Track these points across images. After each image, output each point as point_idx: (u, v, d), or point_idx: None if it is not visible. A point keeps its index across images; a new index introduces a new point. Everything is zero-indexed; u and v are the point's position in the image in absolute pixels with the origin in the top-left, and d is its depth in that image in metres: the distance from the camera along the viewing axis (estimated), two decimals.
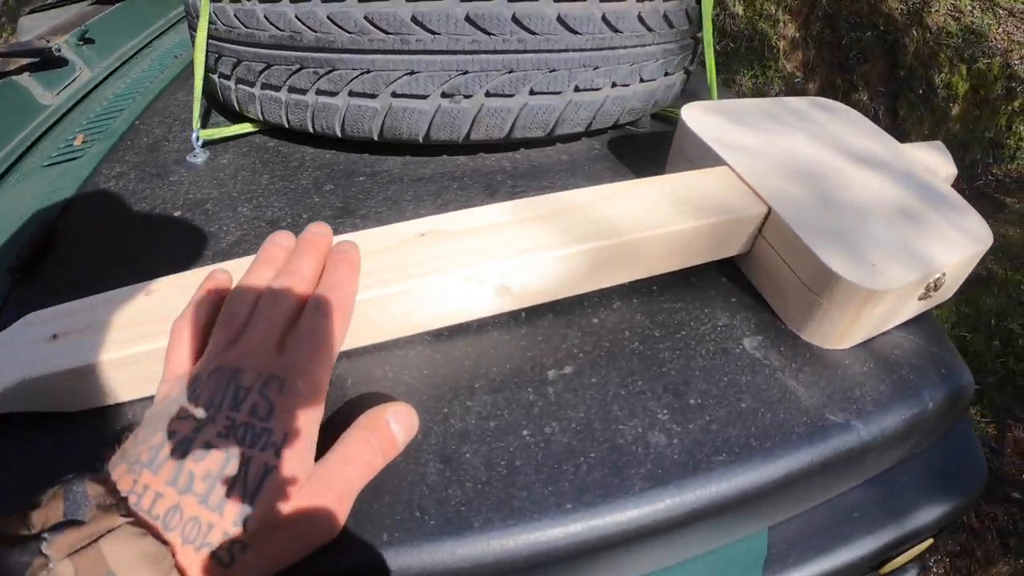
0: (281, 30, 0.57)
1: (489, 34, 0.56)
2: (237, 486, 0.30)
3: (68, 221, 0.60)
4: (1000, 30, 3.17)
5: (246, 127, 0.72)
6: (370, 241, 0.45)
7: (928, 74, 2.92)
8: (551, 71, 0.60)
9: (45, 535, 0.27)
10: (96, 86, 0.96)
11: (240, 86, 0.65)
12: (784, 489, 0.42)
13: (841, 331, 0.50)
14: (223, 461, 0.31)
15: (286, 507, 0.31)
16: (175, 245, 0.56)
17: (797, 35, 2.85)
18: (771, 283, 0.53)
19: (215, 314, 0.38)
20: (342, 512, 0.34)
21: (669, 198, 0.51)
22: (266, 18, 0.58)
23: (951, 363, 0.52)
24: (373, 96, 0.59)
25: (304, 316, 0.37)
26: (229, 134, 0.71)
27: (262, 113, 0.66)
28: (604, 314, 0.50)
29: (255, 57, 0.61)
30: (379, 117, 0.60)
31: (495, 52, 0.57)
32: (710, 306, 0.52)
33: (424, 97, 0.59)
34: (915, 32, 2.91)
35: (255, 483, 0.31)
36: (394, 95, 0.59)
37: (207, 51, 0.66)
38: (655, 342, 0.48)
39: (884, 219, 0.53)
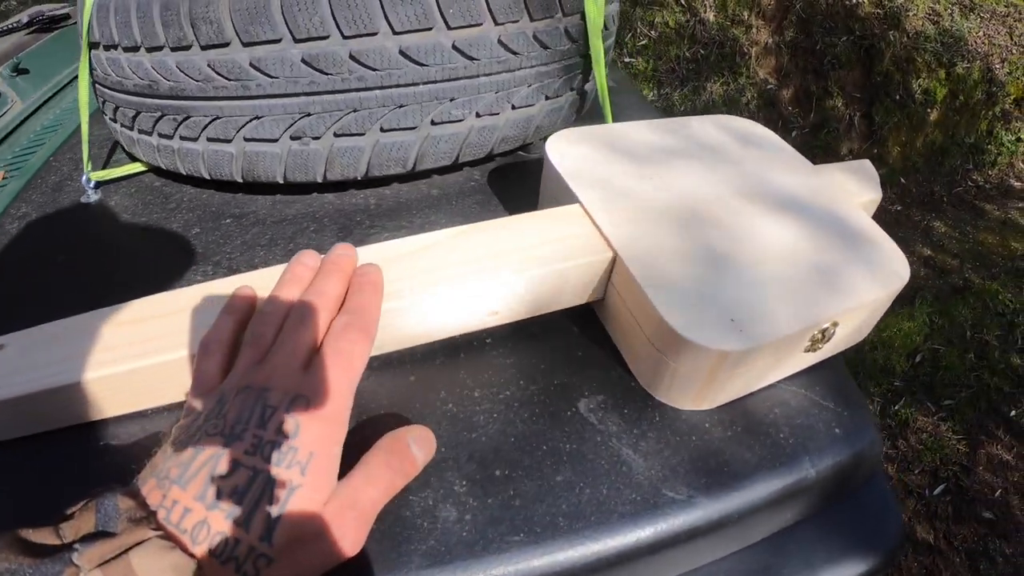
0: (141, 79, 0.58)
1: (327, 74, 0.54)
2: (263, 503, 0.31)
3: None
4: (980, 33, 3.13)
5: (136, 167, 0.72)
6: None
7: (905, 79, 2.88)
8: (399, 107, 0.57)
9: (77, 546, 0.28)
10: (27, 118, 0.95)
11: (123, 129, 0.66)
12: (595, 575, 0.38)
13: (696, 393, 0.45)
14: (250, 478, 0.32)
15: (310, 524, 0.32)
16: (52, 289, 0.56)
17: (770, 40, 2.81)
18: (622, 336, 0.48)
19: (241, 331, 0.40)
20: (364, 529, 0.35)
21: (505, 243, 0.47)
22: (128, 67, 0.58)
23: (850, 421, 0.47)
24: (227, 141, 0.59)
25: (329, 337, 0.38)
26: (119, 174, 0.71)
27: (142, 155, 0.67)
28: (422, 371, 0.46)
29: (126, 104, 0.62)
30: (236, 161, 0.60)
31: (335, 92, 0.56)
32: (548, 361, 0.47)
33: (274, 140, 0.58)
34: (892, 36, 2.87)
35: (281, 500, 0.32)
36: (246, 139, 0.58)
37: (97, 95, 0.67)
38: (472, 404, 0.44)
39: (768, 263, 0.48)
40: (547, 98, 0.65)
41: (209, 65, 0.54)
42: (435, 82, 0.57)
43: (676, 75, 2.81)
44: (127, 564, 0.28)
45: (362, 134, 0.58)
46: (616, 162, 0.56)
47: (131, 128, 0.64)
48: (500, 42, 0.57)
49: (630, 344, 0.47)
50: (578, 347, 0.49)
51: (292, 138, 0.58)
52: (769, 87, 2.84)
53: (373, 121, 0.57)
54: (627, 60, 2.80)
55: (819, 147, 2.82)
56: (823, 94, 2.83)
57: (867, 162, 0.67)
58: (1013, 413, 2.00)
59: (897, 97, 2.88)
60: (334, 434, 0.35)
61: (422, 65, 0.55)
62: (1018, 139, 3.18)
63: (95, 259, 0.60)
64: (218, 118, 0.57)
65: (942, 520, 1.75)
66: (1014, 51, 3.12)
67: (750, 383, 0.47)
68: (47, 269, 0.58)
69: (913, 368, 2.16)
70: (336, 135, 0.58)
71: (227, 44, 0.53)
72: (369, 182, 0.67)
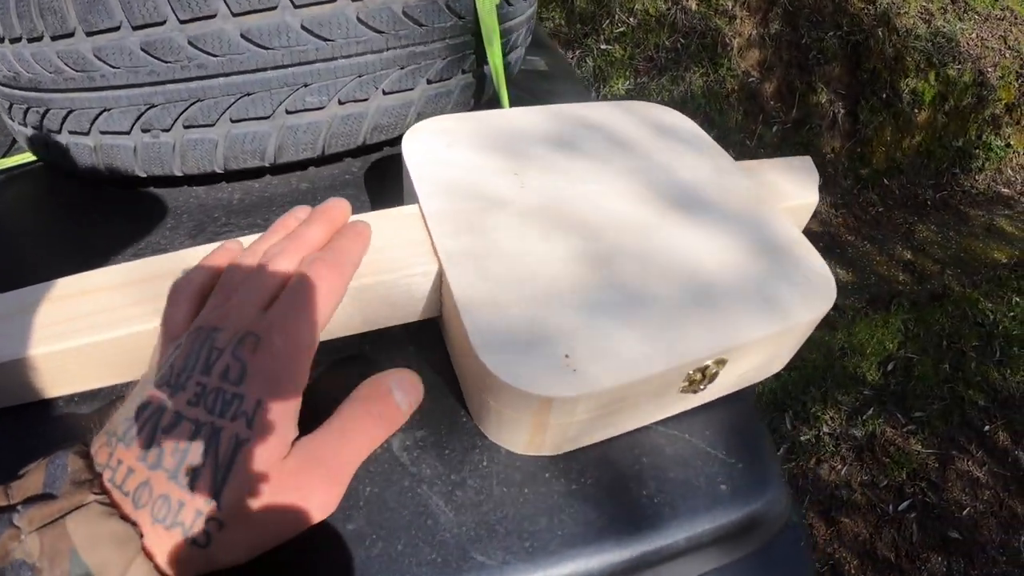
0: (7, 71, 0.55)
1: (166, 62, 0.50)
2: (208, 460, 0.29)
3: None
4: (973, 35, 3.05)
5: (27, 156, 0.70)
6: None
7: (893, 78, 2.80)
8: (247, 95, 0.52)
9: (19, 507, 0.27)
10: None
11: (7, 119, 0.63)
12: None
13: (528, 439, 0.36)
14: (191, 432, 0.29)
15: (265, 483, 0.29)
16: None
17: (754, 32, 2.72)
18: (455, 363, 0.41)
19: (215, 280, 0.37)
20: (335, 490, 0.31)
21: None
22: None
23: (743, 475, 0.39)
24: (84, 134, 0.56)
25: (295, 273, 0.35)
26: (10, 164, 0.70)
27: (26, 146, 0.64)
28: None
29: (1, 95, 0.60)
30: (95, 154, 0.57)
31: (175, 81, 0.52)
32: None
33: (126, 133, 0.55)
34: (881, 33, 2.78)
35: (226, 457, 0.29)
36: (100, 132, 0.55)
37: None
38: None
39: (645, 283, 0.40)
40: (429, 82, 0.59)
41: (58, 56, 0.51)
42: (284, 67, 0.52)
43: (655, 64, 2.72)
44: (63, 529, 0.26)
45: (211, 125, 0.54)
46: (485, 156, 0.49)
47: (11, 119, 0.62)
48: (359, 20, 0.51)
49: (461, 374, 0.39)
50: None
51: (142, 130, 0.54)
52: (751, 80, 2.75)
53: (220, 111, 0.53)
54: (604, 47, 2.71)
55: (800, 143, 2.73)
56: (807, 89, 2.74)
57: (808, 159, 0.59)
58: (987, 428, 1.92)
59: (884, 96, 2.79)
60: (287, 377, 0.31)
61: (267, 48, 0.50)
62: (1007, 145, 3.10)
63: (37, 242, 0.58)
64: (72, 111, 0.55)
65: (905, 538, 1.66)
66: (1007, 55, 3.04)
67: (608, 429, 0.39)
68: None
69: (884, 377, 2.08)
70: (185, 127, 0.54)
71: (72, 34, 0.50)
72: (239, 174, 0.62)
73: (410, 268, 0.40)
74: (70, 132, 0.57)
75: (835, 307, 2.34)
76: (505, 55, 0.66)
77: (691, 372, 0.38)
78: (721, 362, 0.38)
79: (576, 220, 0.44)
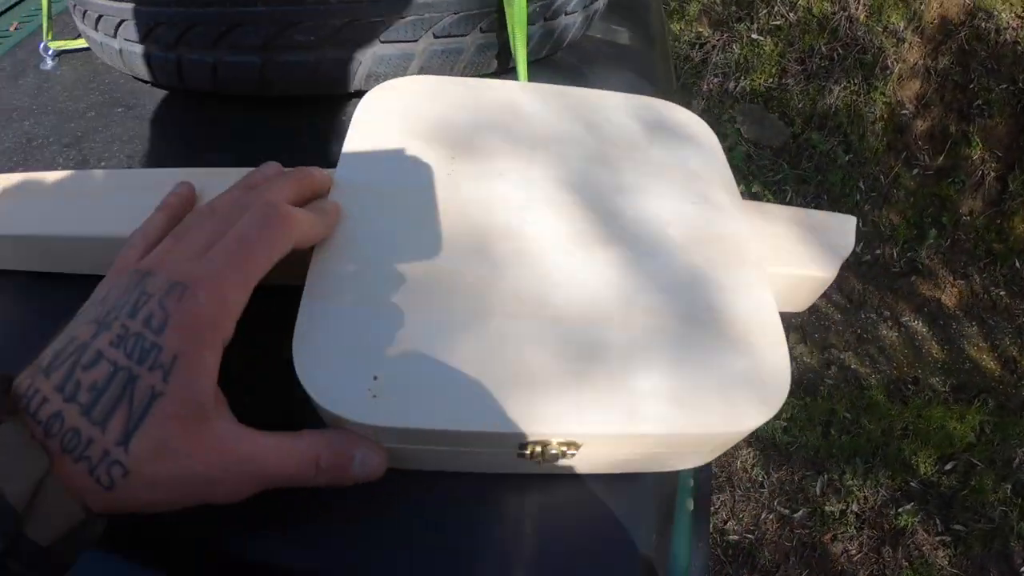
0: None
1: None
2: (122, 405, 0.29)
3: None
4: None
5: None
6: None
7: None
8: (238, 26, 0.55)
9: None
10: None
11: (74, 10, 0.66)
12: None
13: None
14: (110, 373, 0.29)
15: (176, 443, 0.29)
16: (11, 154, 0.61)
17: (920, 62, 2.46)
18: None
19: (173, 227, 0.37)
20: (248, 489, 0.32)
21: None
22: None
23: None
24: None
25: (240, 221, 0.34)
26: (74, 47, 0.74)
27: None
28: None
29: None
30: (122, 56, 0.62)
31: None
32: None
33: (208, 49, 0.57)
34: None
35: (140, 407, 0.29)
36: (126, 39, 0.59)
37: None
38: None
39: (515, 324, 0.35)
40: (436, 36, 0.56)
41: None
42: (277, 5, 0.52)
43: (804, 68, 2.51)
44: None
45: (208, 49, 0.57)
46: (436, 130, 0.45)
47: (81, 19, 0.66)
48: None
49: None
50: None
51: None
52: (903, 112, 2.50)
53: (213, 36, 0.55)
54: (754, 37, 2.52)
55: (937, 195, 2.50)
56: (961, 139, 2.48)
57: (851, 221, 0.48)
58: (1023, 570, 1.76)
59: None
60: (207, 335, 0.31)
61: None
62: None
63: (38, 119, 0.65)
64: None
65: None
66: None
67: (442, 463, 0.36)
68: (10, 127, 0.64)
69: (939, 474, 1.93)
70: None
71: None
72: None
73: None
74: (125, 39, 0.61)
75: (914, 381, 2.18)
76: (542, 17, 0.62)
77: (527, 443, 0.33)
78: (571, 444, 0.33)
79: (482, 226, 0.40)
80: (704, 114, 2.45)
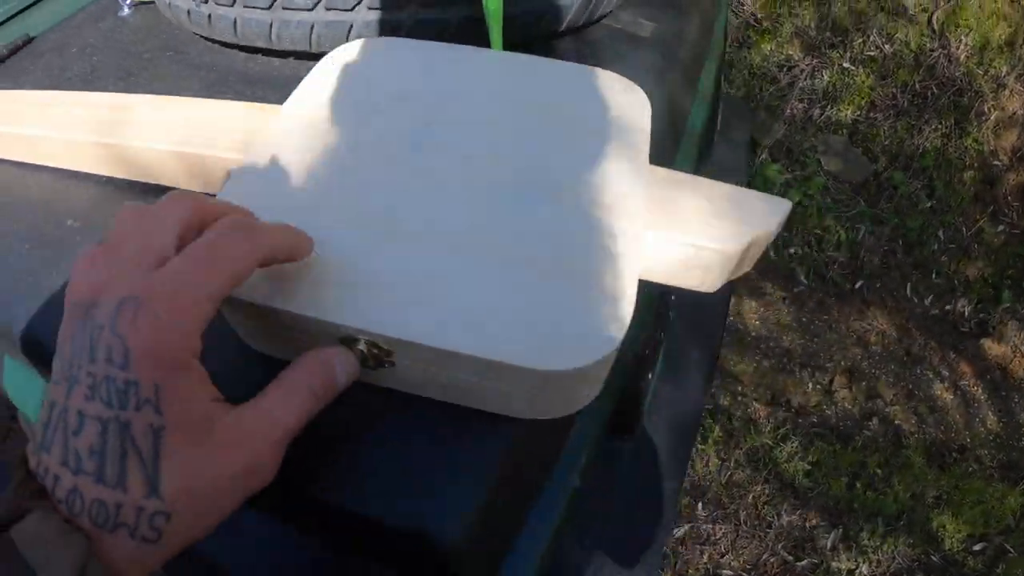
0: None
1: None
2: (130, 457, 0.27)
3: (47, 36, 0.84)
4: None
5: None
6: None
7: None
8: None
9: None
10: None
11: None
12: None
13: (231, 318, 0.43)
14: (100, 432, 0.27)
15: (201, 464, 0.29)
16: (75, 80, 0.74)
17: (1020, 112, 2.29)
18: None
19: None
20: (272, 456, 0.32)
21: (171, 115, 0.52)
22: None
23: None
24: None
25: (203, 233, 0.32)
26: None
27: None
28: None
29: None
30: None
31: None
32: None
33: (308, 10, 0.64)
34: None
35: (150, 450, 0.28)
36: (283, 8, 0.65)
37: None
38: None
39: (395, 229, 0.41)
40: (422, 5, 0.63)
41: None
42: None
43: (894, 103, 2.39)
44: (7, 537, 0.25)
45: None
46: (377, 86, 0.51)
47: None
48: None
49: None
50: None
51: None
52: (996, 164, 2.34)
53: None
54: (846, 66, 2.41)
55: (1021, 256, 2.32)
56: None
57: (783, 205, 0.47)
58: None
59: None
60: (179, 356, 0.29)
61: None
62: None
63: (104, 56, 0.78)
64: None
65: None
66: None
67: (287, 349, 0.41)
68: (82, 59, 0.78)
69: (965, 553, 1.79)
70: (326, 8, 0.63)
71: None
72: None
73: (218, 149, 0.47)
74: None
75: (959, 450, 2.04)
76: None
77: (346, 341, 0.37)
78: (379, 348, 0.37)
79: (385, 161, 0.45)
80: (784, 140, 2.37)
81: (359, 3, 0.62)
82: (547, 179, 0.44)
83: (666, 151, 0.81)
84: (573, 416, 0.55)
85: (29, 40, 0.84)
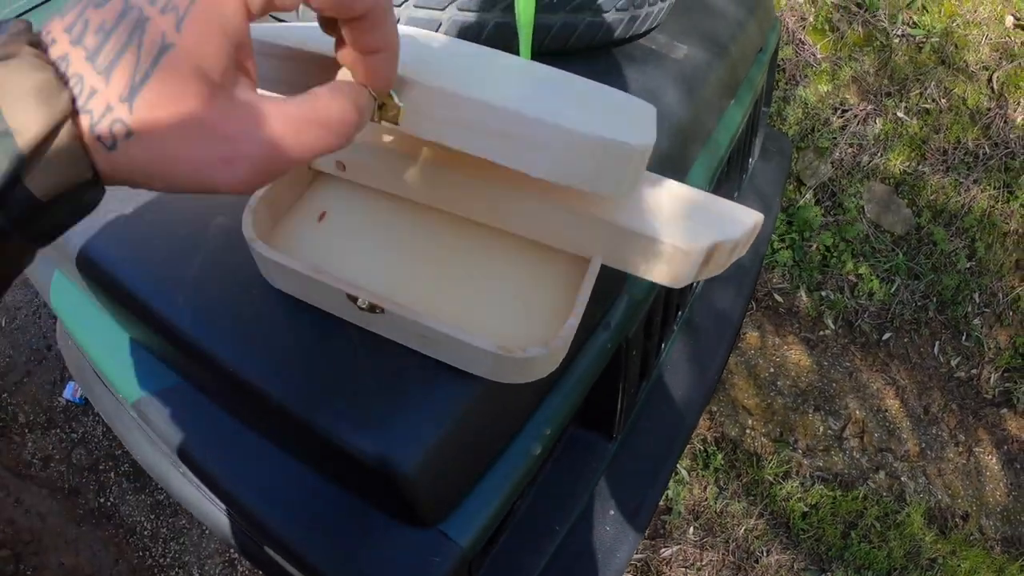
0: None
1: None
2: (128, 52, 0.26)
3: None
4: None
5: None
6: None
7: None
8: None
9: None
10: None
11: None
12: None
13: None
14: (119, 13, 0.26)
15: (186, 106, 0.27)
16: None
17: None
18: None
19: None
20: (250, 170, 0.29)
21: None
22: None
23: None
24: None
25: None
26: None
27: None
28: None
29: None
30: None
31: None
32: None
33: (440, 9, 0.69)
34: None
35: (149, 58, 0.26)
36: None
37: None
38: None
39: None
40: (459, 9, 0.68)
41: None
42: None
43: (945, 158, 2.40)
44: None
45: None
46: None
47: None
48: None
49: None
50: None
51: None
52: None
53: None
54: (900, 115, 2.43)
55: None
56: None
57: (751, 216, 0.53)
58: None
59: None
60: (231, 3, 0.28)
61: None
62: None
63: None
64: None
65: None
66: None
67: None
68: None
69: None
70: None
71: None
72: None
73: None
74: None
75: (964, 516, 2.04)
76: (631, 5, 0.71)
77: (354, 299, 0.49)
78: (374, 306, 0.49)
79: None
80: (830, 183, 2.40)
81: (450, 3, 0.68)
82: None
83: (683, 160, 0.87)
84: (541, 391, 0.62)
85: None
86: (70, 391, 1.76)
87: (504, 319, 0.51)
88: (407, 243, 0.55)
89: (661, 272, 0.51)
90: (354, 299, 0.48)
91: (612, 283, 0.71)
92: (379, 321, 0.50)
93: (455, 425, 0.51)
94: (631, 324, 0.80)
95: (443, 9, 0.68)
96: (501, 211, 0.51)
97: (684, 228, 0.50)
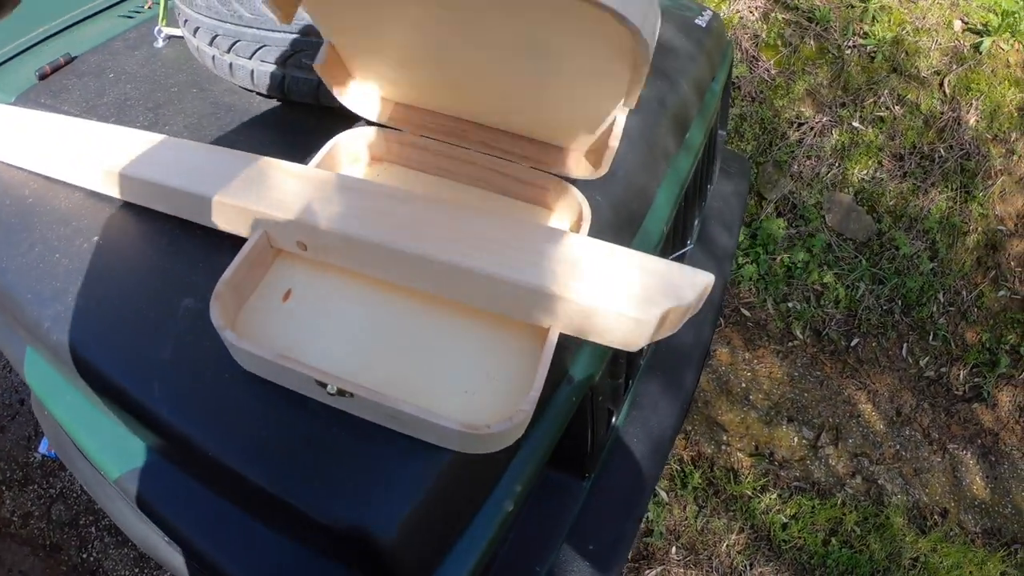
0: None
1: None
2: None
3: (87, 58, 0.97)
4: None
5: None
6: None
7: None
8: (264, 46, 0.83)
9: None
10: None
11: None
12: None
13: None
14: None
15: None
16: (110, 105, 0.88)
17: None
18: None
19: None
20: None
21: None
22: None
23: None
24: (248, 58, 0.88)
25: None
26: (181, 33, 0.93)
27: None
28: None
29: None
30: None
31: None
32: None
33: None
34: None
35: None
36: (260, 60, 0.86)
37: None
38: None
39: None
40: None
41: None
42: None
43: (901, 164, 2.46)
44: None
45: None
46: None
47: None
48: None
49: None
50: None
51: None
52: (999, 229, 2.40)
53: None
54: (856, 125, 2.49)
55: (1021, 323, 2.37)
56: None
57: (703, 277, 0.58)
58: None
59: None
60: None
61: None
62: None
63: (137, 84, 0.92)
64: (238, 41, 0.85)
65: None
66: None
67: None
68: (118, 86, 0.92)
69: None
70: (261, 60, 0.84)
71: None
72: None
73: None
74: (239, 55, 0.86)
75: (942, 513, 2.08)
76: None
77: (324, 384, 0.53)
78: (342, 391, 0.53)
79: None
80: (790, 196, 2.45)
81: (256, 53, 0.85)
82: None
83: (646, 193, 0.91)
84: (510, 451, 0.66)
85: (71, 60, 0.95)
86: (45, 446, 1.76)
87: (469, 390, 0.56)
88: (371, 319, 0.59)
89: (617, 339, 0.55)
90: (323, 384, 0.52)
91: (573, 337, 0.74)
92: (349, 403, 0.54)
93: (429, 493, 0.55)
94: (595, 373, 0.82)
95: (250, 58, 0.83)
96: (463, 288, 0.55)
97: (638, 298, 0.53)
